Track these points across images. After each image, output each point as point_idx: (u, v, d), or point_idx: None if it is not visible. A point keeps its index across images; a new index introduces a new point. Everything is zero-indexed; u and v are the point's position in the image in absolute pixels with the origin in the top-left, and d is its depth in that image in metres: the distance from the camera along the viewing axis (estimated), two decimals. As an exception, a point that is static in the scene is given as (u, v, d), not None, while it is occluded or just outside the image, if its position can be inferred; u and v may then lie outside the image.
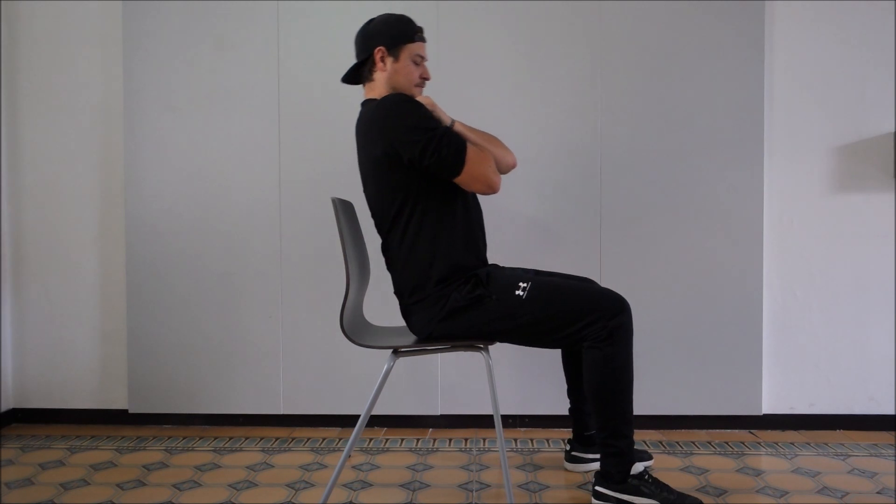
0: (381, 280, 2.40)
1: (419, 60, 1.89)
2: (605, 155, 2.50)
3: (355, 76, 1.94)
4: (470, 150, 1.76)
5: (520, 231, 2.51)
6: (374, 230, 1.86)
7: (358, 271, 1.87)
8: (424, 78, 1.92)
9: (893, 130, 2.46)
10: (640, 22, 2.48)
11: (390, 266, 1.89)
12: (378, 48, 1.85)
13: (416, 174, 1.77)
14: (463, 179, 1.77)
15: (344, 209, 1.88)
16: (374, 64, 1.87)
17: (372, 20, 1.90)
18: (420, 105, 1.78)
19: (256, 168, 2.56)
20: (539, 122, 2.51)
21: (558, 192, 2.50)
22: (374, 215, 1.89)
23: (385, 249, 1.89)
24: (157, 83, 2.57)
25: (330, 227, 2.50)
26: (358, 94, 2.51)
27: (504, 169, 1.95)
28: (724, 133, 2.47)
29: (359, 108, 1.90)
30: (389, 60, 1.85)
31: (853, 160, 2.49)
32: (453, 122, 1.89)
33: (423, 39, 1.90)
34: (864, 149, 2.48)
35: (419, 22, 2.48)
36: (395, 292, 1.90)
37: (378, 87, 1.88)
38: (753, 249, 2.47)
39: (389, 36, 1.85)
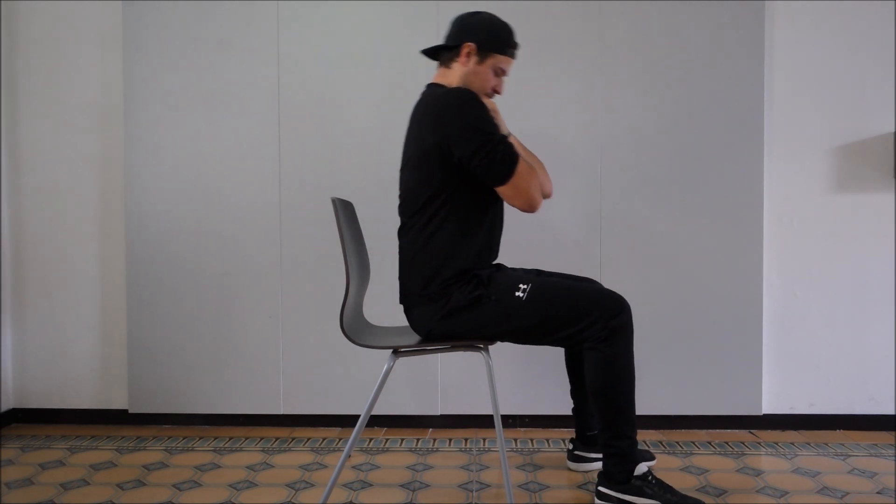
0: (381, 280, 2.41)
1: (500, 73, 1.87)
2: (605, 155, 2.50)
3: (435, 53, 1.91)
4: (521, 163, 1.74)
5: (520, 231, 2.51)
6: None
7: (358, 271, 1.87)
8: (497, 91, 1.90)
9: (893, 130, 2.46)
10: (640, 22, 2.48)
11: (402, 251, 1.87)
12: (468, 44, 1.83)
13: (459, 174, 1.76)
14: (506, 190, 1.75)
15: (344, 209, 1.88)
16: (457, 54, 1.85)
17: (478, 13, 1.87)
18: (484, 106, 1.75)
19: (256, 168, 2.56)
20: (538, 122, 2.51)
21: (558, 192, 2.50)
22: (402, 196, 1.87)
23: (402, 233, 1.87)
24: (156, 83, 2.57)
25: (330, 227, 2.50)
26: (358, 96, 2.53)
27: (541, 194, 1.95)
28: (724, 133, 2.47)
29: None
30: (474, 60, 1.84)
31: (853, 160, 2.49)
32: (510, 134, 1.88)
33: (513, 56, 1.88)
34: (864, 149, 2.48)
35: (419, 22, 2.52)
36: (400, 278, 1.88)
37: (452, 77, 1.86)
38: (753, 249, 2.47)
39: (484, 37, 1.83)
